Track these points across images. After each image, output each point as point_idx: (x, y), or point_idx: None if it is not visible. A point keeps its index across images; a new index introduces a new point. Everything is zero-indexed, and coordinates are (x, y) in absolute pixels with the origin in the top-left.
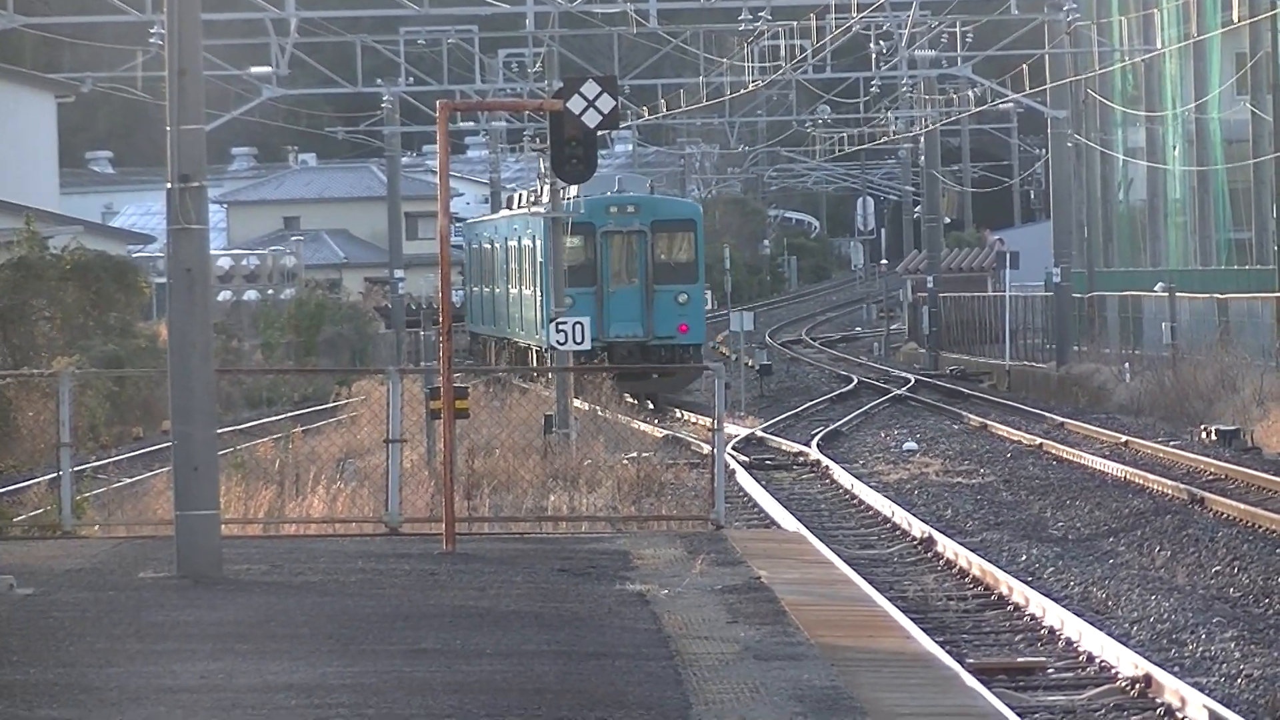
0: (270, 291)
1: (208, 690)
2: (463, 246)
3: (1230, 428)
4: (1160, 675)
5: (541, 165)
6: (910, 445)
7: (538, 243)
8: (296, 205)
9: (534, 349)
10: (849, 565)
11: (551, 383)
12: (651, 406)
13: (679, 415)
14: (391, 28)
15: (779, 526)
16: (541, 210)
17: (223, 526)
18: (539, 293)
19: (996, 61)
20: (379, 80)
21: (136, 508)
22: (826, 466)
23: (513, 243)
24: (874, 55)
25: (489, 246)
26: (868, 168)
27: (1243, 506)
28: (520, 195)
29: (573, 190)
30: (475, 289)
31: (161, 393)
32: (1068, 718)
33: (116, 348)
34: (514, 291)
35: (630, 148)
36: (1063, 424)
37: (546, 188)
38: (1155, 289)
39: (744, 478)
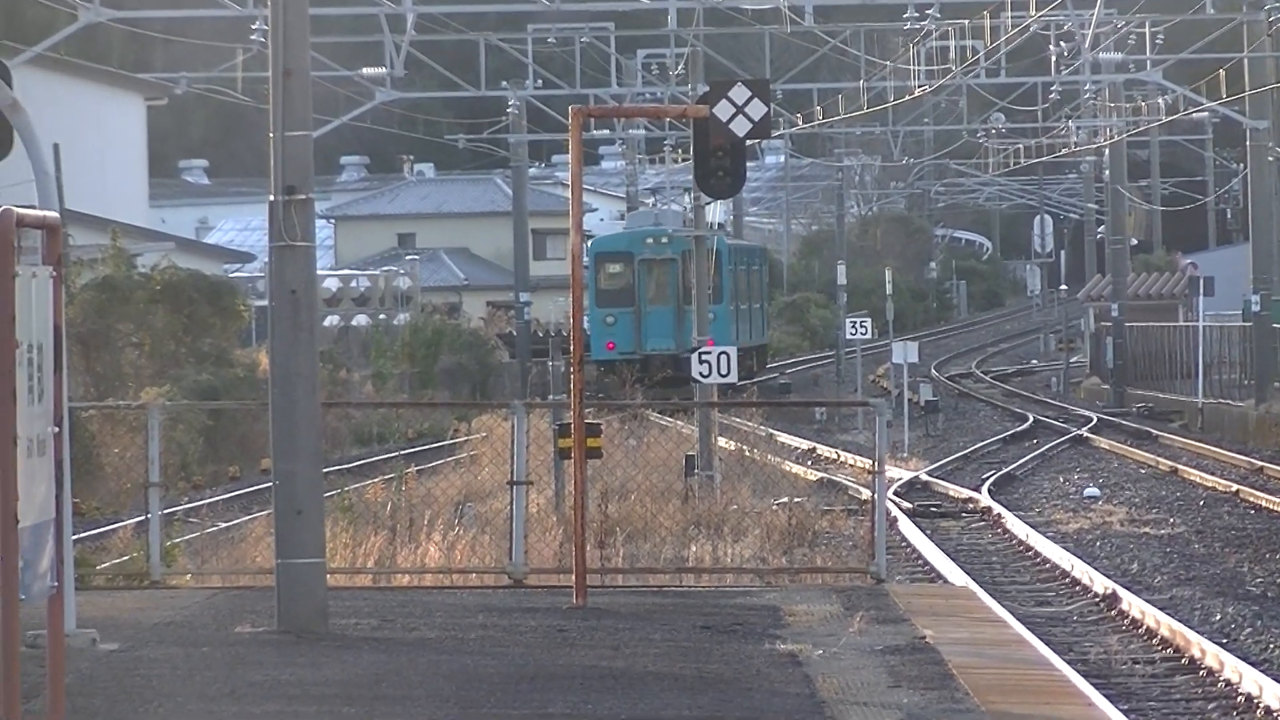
0: (382, 316)
1: None
2: None
3: None
4: None
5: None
6: (1092, 491)
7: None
8: (412, 221)
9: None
10: (1023, 624)
11: (693, 418)
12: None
13: (835, 456)
14: (519, 25)
15: (946, 581)
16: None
17: (328, 576)
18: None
19: (1190, 66)
20: (504, 83)
21: (232, 555)
22: (999, 514)
23: None
24: (1054, 58)
25: None
26: (1046, 183)
27: None
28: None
29: (620, 226)
30: None
31: (261, 428)
32: None
33: (211, 377)
34: None
35: (782, 159)
36: (1262, 468)
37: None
38: None
39: (907, 526)
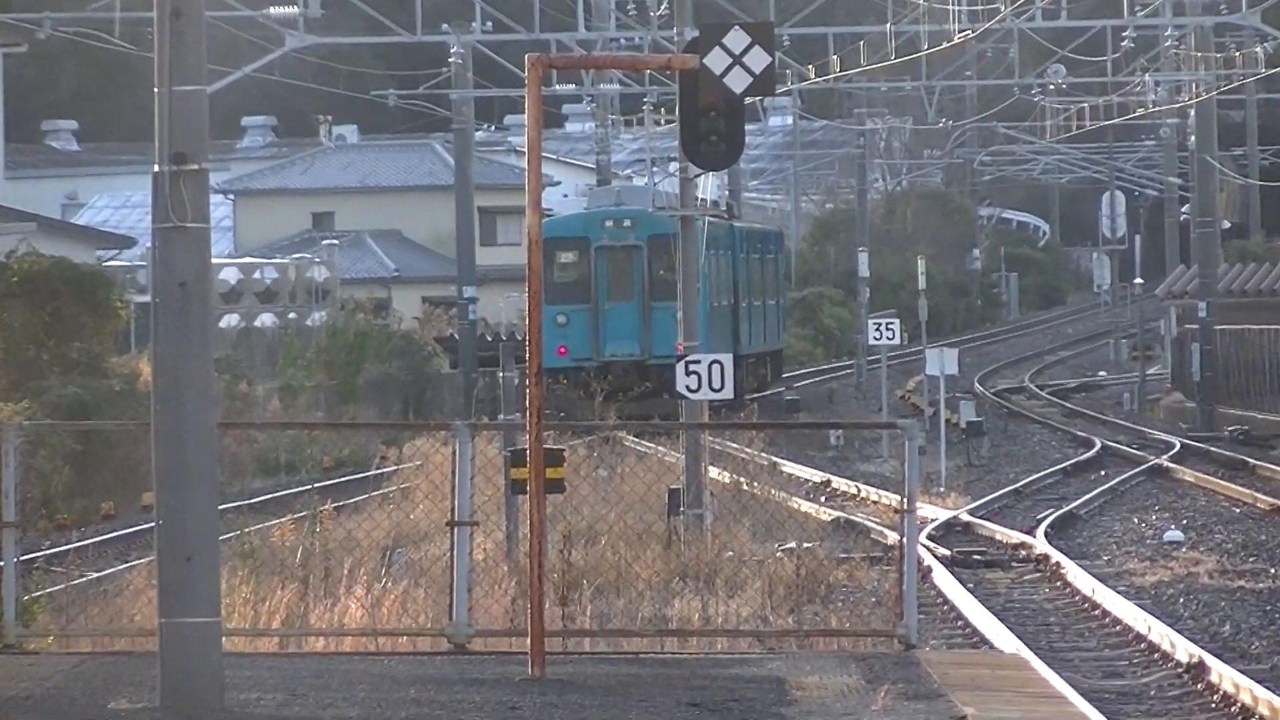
0: (293, 315)
1: None
2: None
3: None
4: None
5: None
6: (1174, 535)
7: None
8: (330, 196)
9: None
10: (1088, 700)
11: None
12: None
13: (855, 491)
14: None
15: (992, 646)
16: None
17: (225, 639)
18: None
19: None
20: (446, 26)
21: (106, 612)
22: (1057, 564)
23: None
24: None
25: None
26: (1116, 152)
27: None
28: None
29: (582, 204)
30: None
31: (142, 453)
32: None
33: (81, 390)
34: None
35: (789, 121)
36: None
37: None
38: None
39: (943, 578)
